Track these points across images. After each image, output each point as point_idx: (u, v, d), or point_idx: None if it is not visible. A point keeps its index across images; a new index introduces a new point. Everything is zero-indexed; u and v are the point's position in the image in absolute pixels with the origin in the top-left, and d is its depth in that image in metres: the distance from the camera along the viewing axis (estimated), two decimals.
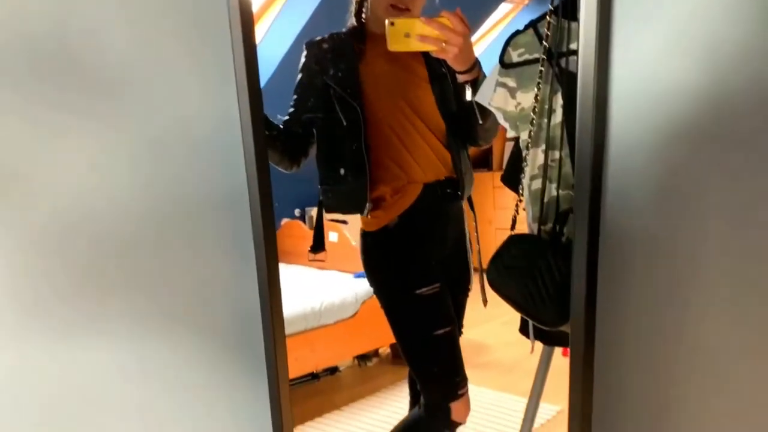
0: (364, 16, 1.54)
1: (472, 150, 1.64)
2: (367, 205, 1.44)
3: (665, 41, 0.79)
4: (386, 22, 1.21)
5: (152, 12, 1.07)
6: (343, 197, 1.48)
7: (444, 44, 1.22)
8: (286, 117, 1.53)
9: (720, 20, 0.75)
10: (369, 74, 1.46)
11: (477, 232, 1.65)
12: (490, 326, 3.55)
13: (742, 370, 0.82)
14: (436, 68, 1.50)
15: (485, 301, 1.55)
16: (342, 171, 1.46)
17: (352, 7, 1.56)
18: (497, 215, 5.12)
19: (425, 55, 1.50)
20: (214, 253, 1.17)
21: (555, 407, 2.54)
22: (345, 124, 1.44)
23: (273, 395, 1.18)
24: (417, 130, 1.48)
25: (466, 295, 1.64)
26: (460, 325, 1.64)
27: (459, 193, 1.54)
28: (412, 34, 1.22)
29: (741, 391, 0.83)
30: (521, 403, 2.65)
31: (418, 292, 1.44)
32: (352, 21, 1.56)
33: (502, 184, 1.43)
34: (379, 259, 1.49)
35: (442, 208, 1.52)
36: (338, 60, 1.48)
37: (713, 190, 0.80)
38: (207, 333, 1.19)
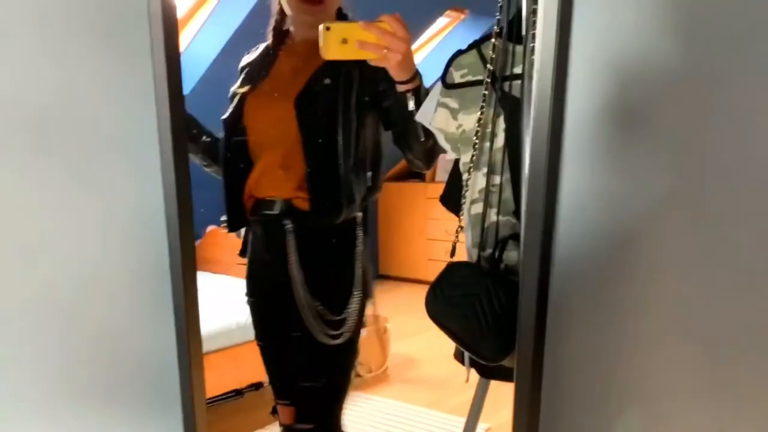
0: (283, 26, 1.49)
1: (403, 163, 1.59)
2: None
3: (621, 63, 0.77)
4: (321, 27, 1.08)
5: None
6: None
7: (385, 51, 1.11)
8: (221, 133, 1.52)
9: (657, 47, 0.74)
10: (252, 96, 1.45)
11: (366, 263, 1.47)
12: (420, 338, 3.53)
13: (688, 407, 0.81)
14: (317, 84, 1.39)
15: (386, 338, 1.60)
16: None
17: (272, 18, 1.50)
18: (428, 226, 5.14)
19: (318, 68, 1.39)
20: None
21: (484, 425, 2.54)
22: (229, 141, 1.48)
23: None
24: (265, 150, 1.43)
25: (311, 340, 1.42)
26: (308, 373, 1.46)
27: (290, 218, 1.41)
28: (349, 40, 1.08)
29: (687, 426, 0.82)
30: (449, 421, 2.64)
31: (248, 298, 1.59)
32: (268, 33, 1.51)
33: (433, 195, 1.39)
34: None
35: (261, 228, 1.48)
36: (247, 75, 1.50)
37: (667, 219, 0.78)
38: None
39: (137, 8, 0.97)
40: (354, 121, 1.37)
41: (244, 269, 1.59)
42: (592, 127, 0.77)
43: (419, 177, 5.14)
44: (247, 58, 1.55)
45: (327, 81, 1.37)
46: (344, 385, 1.49)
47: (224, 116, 1.49)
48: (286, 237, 1.41)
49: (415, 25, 4.12)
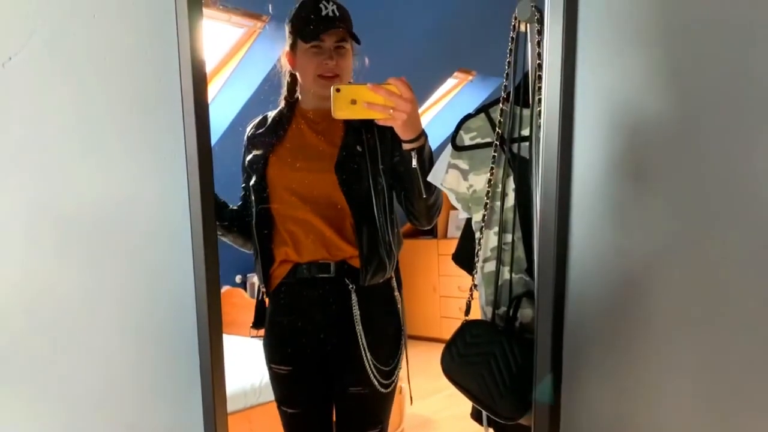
0: (297, 94, 1.55)
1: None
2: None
3: (622, 126, 0.81)
4: (332, 88, 1.17)
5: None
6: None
7: (392, 111, 1.19)
8: (240, 202, 1.57)
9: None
10: (273, 163, 1.49)
11: (403, 316, 1.57)
12: (436, 399, 3.47)
13: None
14: (350, 150, 1.46)
15: (411, 399, 1.68)
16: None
17: (283, 89, 1.56)
18: (442, 282, 5.11)
19: (346, 135, 1.48)
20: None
21: None
22: (254, 207, 1.51)
23: None
24: (304, 216, 1.47)
25: (367, 391, 1.51)
26: (364, 424, 1.54)
27: (348, 278, 1.48)
28: (358, 101, 1.17)
29: None
30: None
31: (272, 365, 1.58)
32: (280, 102, 1.57)
33: (445, 252, 1.42)
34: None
35: (313, 290, 1.50)
36: (258, 143, 1.53)
37: (674, 268, 0.80)
38: None
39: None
40: (385, 184, 1.47)
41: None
42: (599, 184, 0.80)
43: (431, 234, 5.15)
44: (253, 128, 1.58)
45: (359, 148, 1.46)
46: (386, 429, 1.59)
47: (249, 183, 1.52)
48: (351, 296, 1.47)
49: (424, 87, 4.23)
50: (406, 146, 1.30)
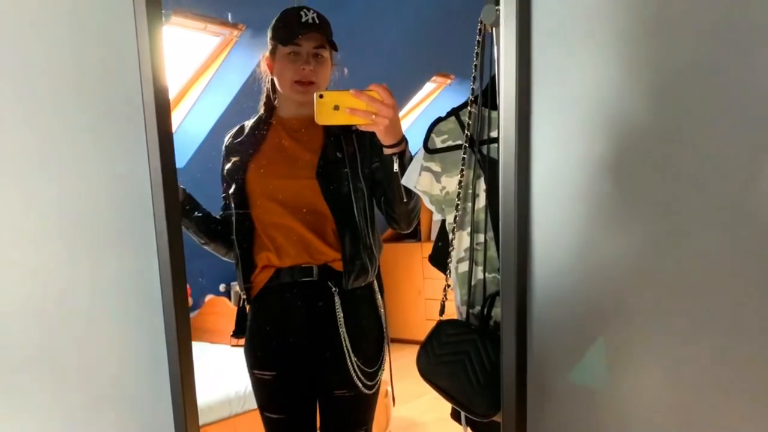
0: (274, 102, 1.56)
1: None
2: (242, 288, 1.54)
3: (580, 125, 0.83)
4: (315, 95, 1.19)
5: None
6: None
7: (374, 117, 1.22)
8: (220, 212, 1.59)
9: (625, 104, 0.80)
10: (252, 170, 1.51)
11: (385, 318, 1.59)
12: (422, 401, 3.48)
13: None
14: (330, 157, 1.49)
15: (393, 401, 1.67)
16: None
17: (263, 95, 1.58)
18: (426, 285, 5.14)
19: (326, 142, 1.50)
20: None
21: None
22: (234, 214, 1.52)
23: None
24: (285, 221, 1.49)
25: (352, 393, 1.52)
26: (349, 427, 1.56)
27: (331, 281, 1.49)
28: (341, 107, 1.19)
29: None
30: None
31: (255, 371, 1.57)
32: (259, 109, 1.58)
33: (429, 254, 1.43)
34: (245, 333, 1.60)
35: (296, 294, 1.51)
36: (237, 152, 1.55)
37: (636, 262, 0.82)
38: None
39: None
40: (365, 188, 1.49)
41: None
42: (558, 184, 0.82)
43: (415, 237, 5.18)
44: (230, 138, 1.60)
45: (339, 155, 1.48)
46: (371, 430, 1.61)
47: (229, 192, 1.54)
48: (334, 299, 1.49)
49: (403, 91, 4.26)
50: (387, 151, 1.32)
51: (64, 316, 1.06)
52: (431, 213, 1.42)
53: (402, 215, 1.49)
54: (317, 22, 1.45)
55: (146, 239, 1.05)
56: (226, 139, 1.60)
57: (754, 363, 0.77)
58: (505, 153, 0.77)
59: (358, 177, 1.48)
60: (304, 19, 1.44)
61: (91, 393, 1.08)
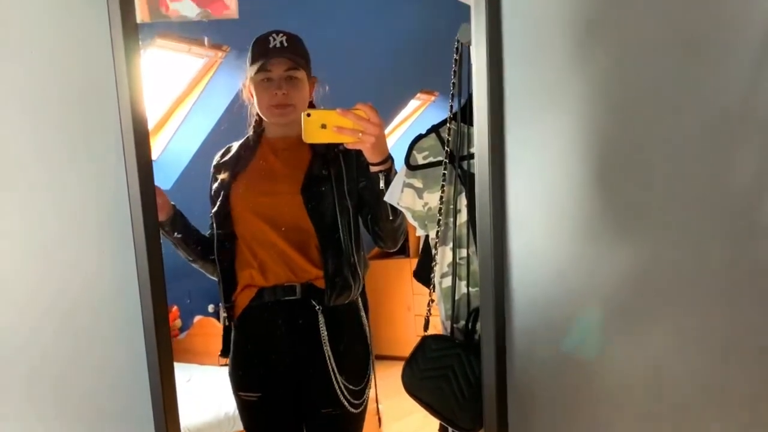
0: (262, 125, 1.58)
1: None
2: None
3: (554, 139, 0.84)
4: (302, 114, 1.22)
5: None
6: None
7: (361, 135, 1.24)
8: (208, 230, 1.59)
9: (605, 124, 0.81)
10: (237, 188, 1.52)
11: (370, 335, 1.60)
12: (412, 419, 3.45)
13: None
14: (315, 173, 1.50)
15: (379, 421, 1.58)
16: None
17: (251, 118, 1.59)
18: (416, 301, 5.11)
19: (312, 160, 1.51)
20: None
21: None
22: (216, 233, 1.53)
23: None
24: (269, 239, 1.49)
25: (339, 412, 1.52)
26: None
27: (314, 300, 1.49)
28: (328, 126, 1.22)
29: None
30: None
31: (240, 393, 1.57)
32: (248, 131, 1.60)
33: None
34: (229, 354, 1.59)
35: (279, 313, 1.51)
36: (224, 171, 1.55)
37: (614, 278, 0.83)
38: None
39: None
40: (350, 206, 1.50)
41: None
42: (534, 196, 0.83)
43: (403, 253, 5.17)
44: (218, 157, 1.61)
45: (324, 172, 1.49)
46: None
47: (213, 211, 1.54)
48: (318, 317, 1.48)
49: (388, 108, 4.29)
50: (373, 169, 1.34)
51: (43, 336, 1.05)
52: None
53: (388, 233, 1.50)
54: (286, 45, 1.47)
55: (126, 260, 1.05)
56: (215, 158, 1.61)
57: (734, 364, 0.78)
58: (480, 168, 0.79)
59: (344, 194, 1.49)
60: (272, 44, 1.46)
61: (68, 415, 1.07)
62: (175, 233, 1.55)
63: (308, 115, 1.22)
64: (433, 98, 4.83)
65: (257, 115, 1.57)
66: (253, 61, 1.48)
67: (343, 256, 1.49)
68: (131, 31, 0.98)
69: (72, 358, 1.09)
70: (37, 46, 1.05)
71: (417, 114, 4.93)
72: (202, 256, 1.58)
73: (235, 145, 1.60)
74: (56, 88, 1.06)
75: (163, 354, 1.01)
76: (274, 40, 1.46)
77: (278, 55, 1.45)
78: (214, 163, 1.61)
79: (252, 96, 1.53)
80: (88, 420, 1.10)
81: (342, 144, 1.32)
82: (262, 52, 1.46)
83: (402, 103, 4.42)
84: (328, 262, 1.48)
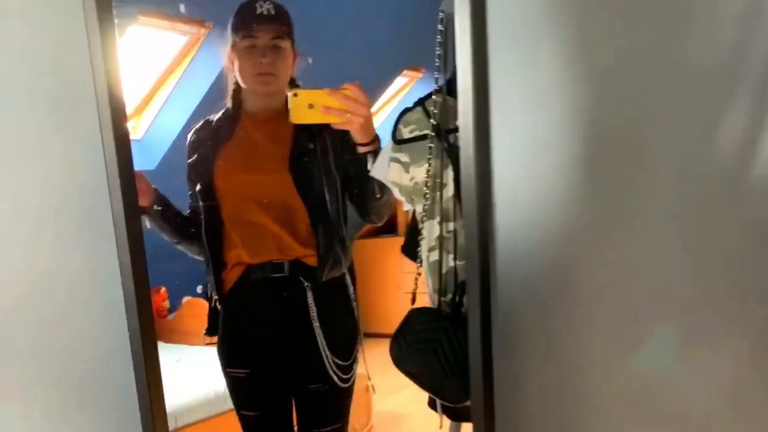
0: (241, 96, 1.55)
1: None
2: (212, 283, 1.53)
3: (538, 112, 0.84)
4: (289, 93, 1.20)
5: None
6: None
7: (348, 115, 1.22)
8: (188, 210, 1.57)
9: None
10: (219, 164, 1.49)
11: (357, 310, 1.60)
12: (405, 393, 3.49)
13: None
14: (301, 149, 1.48)
15: (372, 389, 1.62)
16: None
17: (229, 90, 1.56)
18: (405, 279, 5.15)
19: (296, 135, 1.49)
20: None
21: None
22: (202, 212, 1.51)
23: None
24: (256, 218, 1.48)
25: (327, 387, 1.53)
26: (326, 421, 1.56)
27: (302, 276, 1.48)
28: (316, 106, 1.20)
29: None
30: None
31: (229, 370, 1.57)
32: (226, 103, 1.57)
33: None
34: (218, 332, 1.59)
35: (267, 290, 1.50)
36: (203, 147, 1.53)
37: (598, 251, 0.83)
38: None
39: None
40: (338, 181, 1.49)
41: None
42: (520, 169, 0.83)
43: (392, 231, 5.19)
44: (195, 134, 1.57)
45: (310, 146, 1.47)
46: (347, 424, 1.61)
47: (196, 190, 1.52)
48: (306, 294, 1.48)
49: (375, 86, 4.26)
50: (361, 149, 1.32)
51: (27, 319, 1.05)
52: None
53: (374, 209, 1.50)
54: (273, 13, 1.43)
55: (106, 242, 1.04)
56: (190, 134, 1.57)
57: (712, 342, 0.79)
58: (465, 141, 0.78)
59: (330, 168, 1.48)
60: (259, 11, 1.42)
61: (53, 400, 1.07)
62: (159, 217, 1.52)
63: (295, 95, 1.19)
64: (420, 75, 4.81)
65: (235, 84, 1.54)
66: (238, 28, 1.44)
67: (333, 230, 1.49)
68: (105, 4, 0.96)
69: (53, 341, 1.08)
70: (8, 22, 1.02)
71: (404, 92, 4.92)
72: (186, 238, 1.57)
73: (213, 119, 1.57)
74: (28, 69, 1.04)
75: (146, 334, 1.00)
76: (261, 7, 1.42)
77: (266, 21, 1.42)
78: (191, 138, 1.57)
79: (233, 64, 1.49)
80: (72, 404, 1.09)
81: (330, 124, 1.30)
82: (248, 18, 1.43)
83: (388, 80, 4.41)
84: (320, 238, 1.47)
